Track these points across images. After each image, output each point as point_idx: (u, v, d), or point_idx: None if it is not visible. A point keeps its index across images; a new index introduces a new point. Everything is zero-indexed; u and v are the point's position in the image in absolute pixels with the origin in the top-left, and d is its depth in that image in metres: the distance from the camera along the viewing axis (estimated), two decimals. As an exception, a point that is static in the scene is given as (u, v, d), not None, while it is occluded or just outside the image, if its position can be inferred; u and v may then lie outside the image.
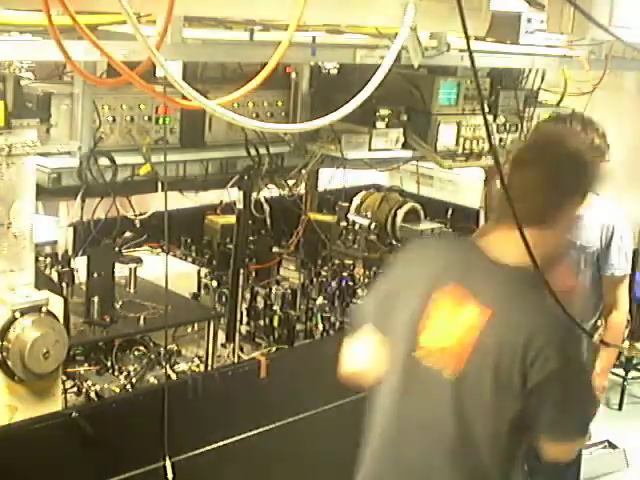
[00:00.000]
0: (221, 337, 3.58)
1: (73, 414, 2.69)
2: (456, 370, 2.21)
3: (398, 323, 2.30)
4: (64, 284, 3.30)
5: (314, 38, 3.23)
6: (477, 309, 2.20)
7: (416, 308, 2.27)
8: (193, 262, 4.23)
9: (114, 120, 3.08)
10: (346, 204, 4.76)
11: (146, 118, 3.20)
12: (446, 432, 2.24)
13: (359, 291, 4.07)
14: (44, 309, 2.62)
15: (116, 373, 3.24)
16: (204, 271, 4.05)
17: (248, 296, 3.89)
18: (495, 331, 2.18)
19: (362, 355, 2.36)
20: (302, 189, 4.44)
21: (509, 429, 2.22)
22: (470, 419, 2.23)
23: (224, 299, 3.79)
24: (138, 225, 3.34)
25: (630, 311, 5.22)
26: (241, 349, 3.64)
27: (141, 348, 3.35)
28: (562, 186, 2.23)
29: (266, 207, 3.81)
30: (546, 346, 2.15)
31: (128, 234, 3.69)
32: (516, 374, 2.15)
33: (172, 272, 3.13)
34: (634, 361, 5.70)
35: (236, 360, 3.55)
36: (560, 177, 2.23)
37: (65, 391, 2.96)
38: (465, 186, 5.98)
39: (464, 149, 4.03)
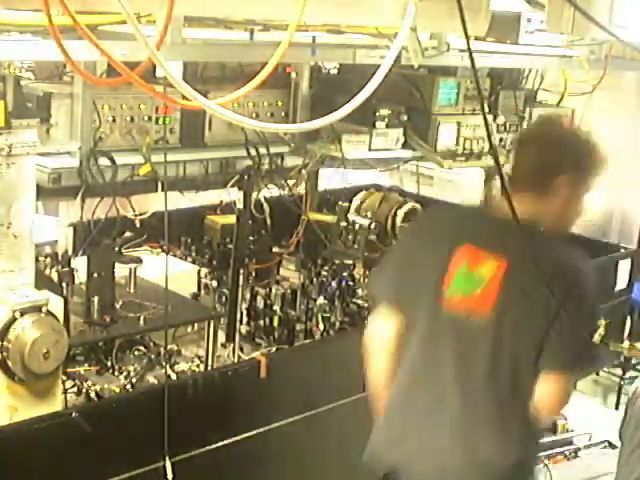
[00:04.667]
0: (221, 337, 3.58)
1: (73, 414, 2.69)
2: (484, 314, 2.47)
3: (419, 285, 2.57)
4: (64, 284, 3.30)
5: (314, 38, 3.23)
6: (494, 262, 2.48)
7: (437, 267, 2.54)
8: (193, 262, 4.23)
9: (114, 120, 3.08)
10: (346, 204, 4.75)
11: (146, 118, 3.19)
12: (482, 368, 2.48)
13: (359, 291, 4.07)
14: (44, 309, 2.62)
15: (116, 373, 3.24)
16: (204, 271, 4.05)
17: (248, 296, 3.88)
18: (515, 275, 2.46)
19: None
20: (302, 189, 4.44)
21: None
22: (508, 352, 2.47)
23: (224, 299, 3.79)
24: (138, 225, 3.34)
25: (630, 313, 5.25)
26: (241, 349, 3.64)
27: (141, 348, 3.36)
28: (555, 159, 2.53)
29: (266, 207, 3.81)
30: (567, 283, 2.42)
31: (128, 234, 3.68)
32: (542, 311, 2.42)
33: (172, 272, 3.13)
34: (632, 361, 5.69)
35: (236, 360, 3.55)
36: (553, 152, 2.54)
37: (65, 391, 2.96)
38: (465, 186, 5.97)
39: (464, 149, 4.03)
